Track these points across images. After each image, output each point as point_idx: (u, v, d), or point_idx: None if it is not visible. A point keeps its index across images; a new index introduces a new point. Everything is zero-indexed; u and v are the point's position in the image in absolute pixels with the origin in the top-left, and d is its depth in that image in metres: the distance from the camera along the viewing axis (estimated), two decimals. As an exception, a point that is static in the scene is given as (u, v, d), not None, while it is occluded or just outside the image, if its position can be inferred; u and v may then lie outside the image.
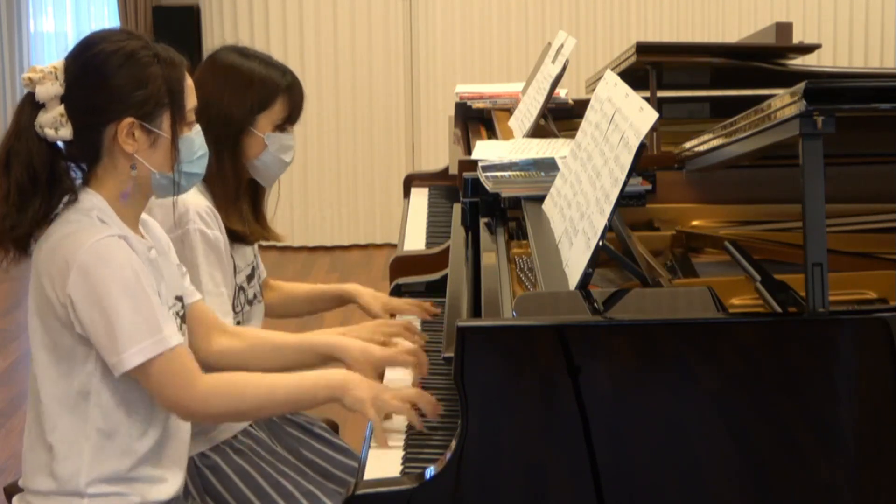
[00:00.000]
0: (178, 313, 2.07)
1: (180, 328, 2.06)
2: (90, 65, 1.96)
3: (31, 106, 1.97)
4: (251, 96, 2.42)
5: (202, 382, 1.95)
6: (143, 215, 2.10)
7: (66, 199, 1.97)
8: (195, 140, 2.04)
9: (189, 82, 2.03)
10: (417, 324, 2.50)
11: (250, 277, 2.53)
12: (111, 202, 1.98)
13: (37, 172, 1.95)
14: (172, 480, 2.05)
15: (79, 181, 2.00)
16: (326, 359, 2.22)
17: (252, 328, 2.26)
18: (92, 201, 1.97)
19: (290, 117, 2.47)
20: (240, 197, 2.47)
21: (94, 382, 1.94)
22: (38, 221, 1.96)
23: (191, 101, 2.02)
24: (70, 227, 1.94)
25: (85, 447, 1.95)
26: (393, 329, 2.36)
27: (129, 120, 1.95)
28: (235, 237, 2.45)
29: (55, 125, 1.95)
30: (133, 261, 1.92)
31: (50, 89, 1.95)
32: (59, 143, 1.97)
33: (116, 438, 1.96)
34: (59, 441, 1.96)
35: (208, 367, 2.17)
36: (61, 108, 1.95)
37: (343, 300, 2.74)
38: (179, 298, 2.11)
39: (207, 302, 2.30)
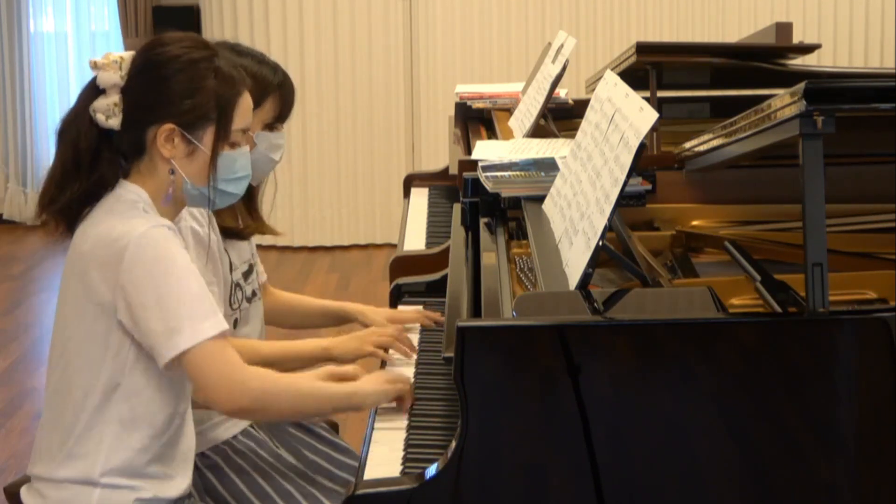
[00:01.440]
0: None
1: None
2: (151, 62, 2.00)
3: (92, 89, 2.01)
4: None
5: (250, 373, 1.94)
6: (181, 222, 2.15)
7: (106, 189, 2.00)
8: (237, 160, 2.05)
9: (246, 103, 2.05)
10: (416, 335, 2.49)
11: (247, 274, 2.53)
12: (152, 199, 2.01)
13: (80, 154, 1.99)
14: (181, 479, 2.06)
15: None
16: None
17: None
18: (138, 193, 2.00)
19: (281, 116, 2.47)
20: None
21: (124, 373, 1.95)
22: (76, 202, 1.99)
23: (243, 121, 2.04)
24: (117, 217, 1.96)
25: (105, 437, 1.96)
26: (383, 339, 2.36)
27: (169, 125, 1.98)
28: (230, 233, 2.45)
29: (108, 113, 1.98)
30: (182, 249, 1.95)
31: (112, 77, 1.99)
32: (110, 133, 2.00)
33: (136, 432, 1.97)
34: (79, 430, 1.96)
35: None
36: (117, 98, 1.99)
37: (343, 319, 2.70)
38: None
39: None
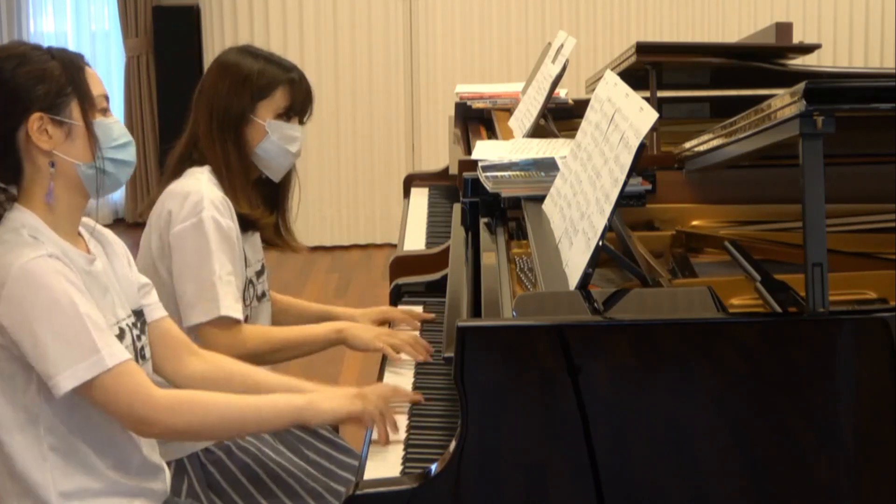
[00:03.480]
0: (132, 325, 2.03)
1: (137, 340, 2.03)
2: None
3: None
4: (249, 86, 2.48)
5: (160, 397, 1.90)
6: (107, 232, 2.07)
7: None
8: (113, 127, 2.00)
9: (93, 74, 2.00)
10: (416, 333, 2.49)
11: (260, 273, 2.55)
12: (43, 215, 1.94)
13: None
14: (152, 488, 2.03)
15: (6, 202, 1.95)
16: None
17: (226, 358, 2.21)
18: (21, 218, 1.93)
19: (294, 108, 2.51)
20: (247, 184, 2.49)
21: (39, 406, 1.90)
22: None
23: (98, 88, 1.99)
24: (2, 247, 1.89)
25: (45, 468, 1.91)
26: (396, 342, 2.34)
27: (36, 115, 1.92)
28: (246, 223, 2.46)
29: None
30: (64, 280, 1.86)
31: None
32: None
33: (76, 456, 1.93)
34: (20, 466, 1.91)
35: (176, 388, 2.12)
36: None
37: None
38: (137, 313, 2.07)
39: (218, 288, 2.31)
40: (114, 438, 1.96)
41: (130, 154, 2.03)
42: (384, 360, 2.36)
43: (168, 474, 2.12)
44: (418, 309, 2.63)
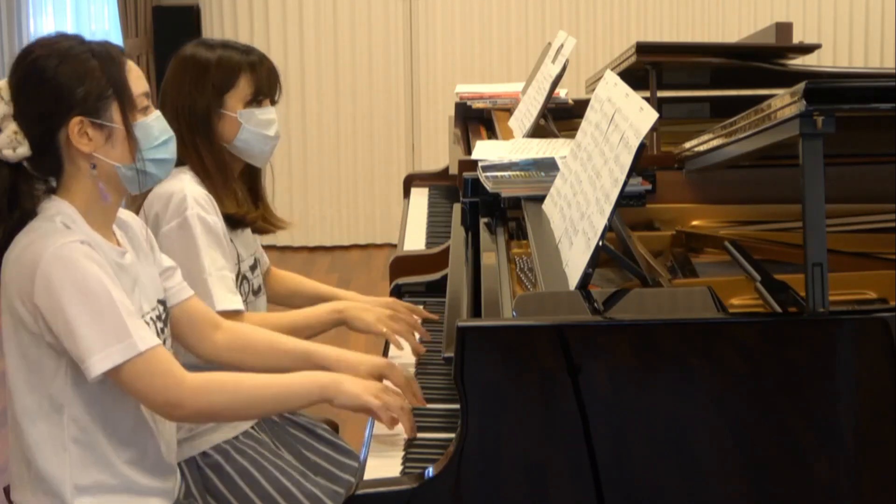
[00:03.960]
0: (156, 318, 2.04)
1: (161, 333, 2.04)
2: (29, 72, 1.94)
3: None
4: (210, 79, 2.43)
5: (189, 379, 1.91)
6: (125, 215, 2.08)
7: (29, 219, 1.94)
8: (153, 125, 2.00)
9: (134, 70, 1.99)
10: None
11: (253, 268, 2.54)
12: (80, 207, 1.95)
13: None
14: (164, 488, 2.03)
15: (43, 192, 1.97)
16: (322, 369, 2.17)
17: (248, 325, 2.24)
18: (57, 207, 1.94)
19: (261, 92, 2.46)
20: (230, 181, 2.47)
21: (66, 395, 1.91)
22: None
23: (140, 86, 1.99)
24: (33, 235, 1.91)
25: (65, 459, 1.92)
26: (398, 326, 2.33)
27: (76, 119, 1.92)
28: (233, 222, 2.45)
29: (12, 145, 1.92)
30: (96, 264, 1.88)
31: None
32: (22, 164, 1.94)
33: (96, 449, 1.94)
34: (39, 455, 1.93)
35: (210, 363, 2.17)
36: (14, 126, 1.93)
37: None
38: (162, 302, 2.08)
39: (210, 284, 2.30)
40: (134, 433, 1.98)
41: (171, 151, 2.03)
42: (387, 347, 2.36)
43: (179, 477, 2.12)
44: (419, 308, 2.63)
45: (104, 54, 1.96)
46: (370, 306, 2.45)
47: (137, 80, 1.99)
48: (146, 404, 1.93)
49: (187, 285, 2.18)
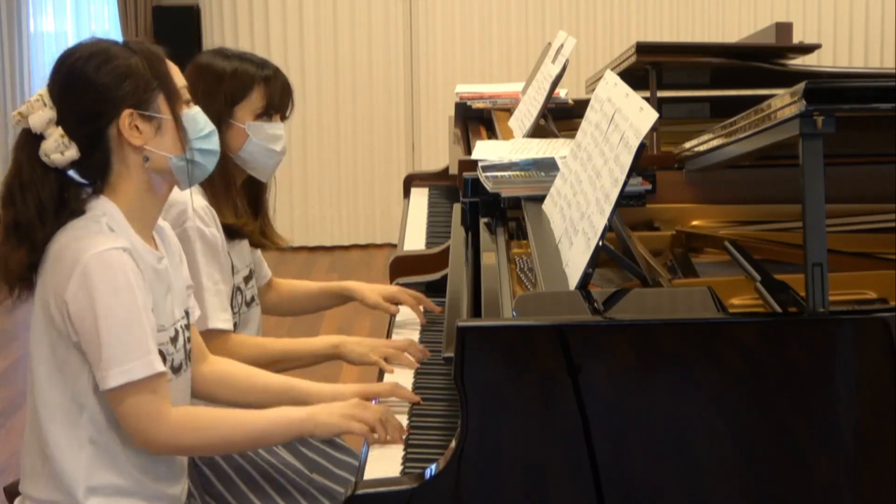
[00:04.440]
0: (184, 326, 2.05)
1: (188, 343, 2.05)
2: (71, 76, 1.95)
3: (28, 139, 1.96)
4: (223, 89, 2.44)
5: (172, 418, 1.91)
6: (161, 223, 2.09)
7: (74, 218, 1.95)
8: (198, 117, 2.02)
9: (173, 66, 2.02)
10: (416, 333, 2.49)
11: (248, 279, 2.53)
12: (124, 209, 1.96)
13: (45, 205, 1.93)
14: (173, 493, 2.04)
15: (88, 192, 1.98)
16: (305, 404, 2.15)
17: (228, 360, 2.22)
18: (103, 207, 1.95)
19: (272, 106, 2.47)
20: (231, 191, 2.47)
21: (88, 395, 1.92)
22: (42, 253, 1.94)
23: (180, 80, 2.02)
24: (77, 233, 1.91)
25: (81, 458, 1.93)
26: (391, 352, 2.34)
27: (126, 112, 1.94)
28: (230, 232, 2.45)
29: (60, 149, 1.93)
30: (133, 278, 1.88)
31: (42, 116, 1.94)
32: (68, 169, 1.95)
33: (110, 451, 1.94)
34: (55, 451, 1.93)
35: (193, 395, 2.15)
36: (60, 130, 1.93)
37: (344, 297, 2.75)
38: (187, 313, 2.09)
39: (206, 299, 2.30)
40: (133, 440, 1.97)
41: (215, 143, 2.05)
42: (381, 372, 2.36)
43: (187, 482, 2.12)
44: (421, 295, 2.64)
45: (144, 50, 1.98)
46: (377, 298, 2.56)
47: (177, 75, 2.02)
48: (127, 429, 1.91)
49: (198, 308, 2.19)
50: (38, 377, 1.95)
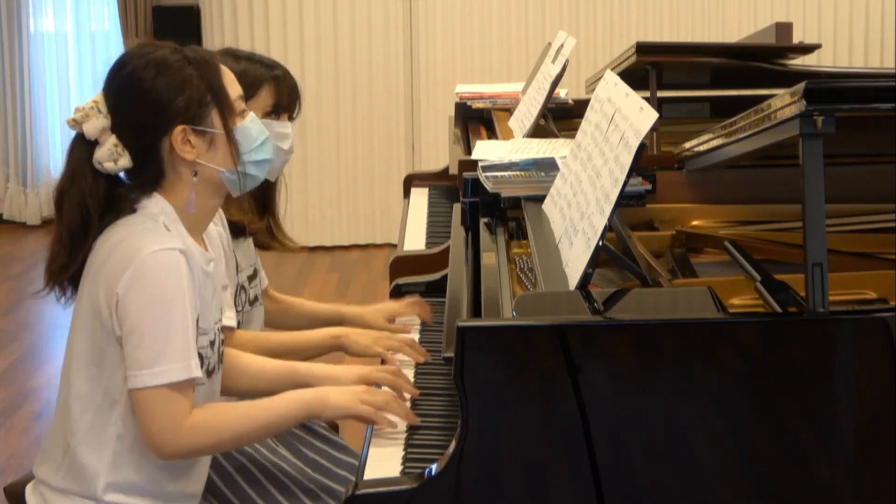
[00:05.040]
0: (220, 329, 2.06)
1: (222, 345, 2.06)
2: (126, 85, 1.96)
3: (82, 145, 1.96)
4: None
5: (188, 423, 1.90)
6: (211, 227, 2.09)
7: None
8: (251, 127, 2.01)
9: (228, 74, 2.02)
10: (416, 334, 2.49)
11: (252, 277, 2.54)
12: (179, 210, 1.97)
13: (90, 213, 1.94)
14: (193, 490, 2.04)
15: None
16: (306, 386, 2.16)
17: (233, 350, 2.23)
18: (160, 205, 1.96)
19: (280, 105, 2.48)
20: None
21: (122, 391, 1.92)
22: (88, 255, 1.95)
23: (234, 90, 2.01)
24: (135, 229, 1.92)
25: (105, 453, 1.93)
26: (394, 344, 2.34)
27: (179, 128, 1.94)
28: (235, 230, 2.45)
29: (113, 157, 1.93)
30: (185, 281, 1.89)
31: (97, 124, 1.94)
32: (121, 174, 1.96)
33: (136, 449, 1.94)
34: (81, 444, 1.94)
35: None
36: (114, 139, 1.94)
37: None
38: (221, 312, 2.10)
39: None
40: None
41: (269, 151, 2.05)
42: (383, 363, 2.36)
43: (204, 479, 2.12)
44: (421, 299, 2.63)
45: (199, 61, 1.97)
46: (378, 318, 2.49)
47: (231, 83, 2.01)
48: (144, 431, 1.90)
49: (229, 307, 2.19)
50: (74, 370, 1.95)
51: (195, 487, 2.06)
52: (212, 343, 2.00)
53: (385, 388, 2.04)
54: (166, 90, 1.94)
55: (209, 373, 2.00)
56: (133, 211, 1.95)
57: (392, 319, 2.60)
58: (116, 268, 1.89)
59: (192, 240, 1.98)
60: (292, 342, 2.44)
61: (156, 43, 2.00)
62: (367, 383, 2.07)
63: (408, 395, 2.08)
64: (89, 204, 1.94)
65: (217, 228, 2.16)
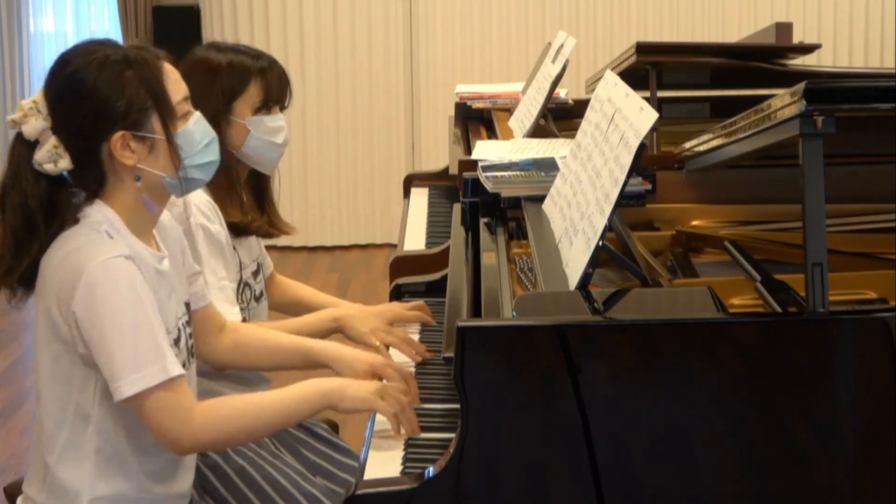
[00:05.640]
0: (186, 323, 2.04)
1: (189, 339, 2.05)
2: (66, 86, 1.92)
3: (23, 146, 1.93)
4: (219, 85, 2.41)
5: (197, 414, 1.90)
6: (164, 217, 2.07)
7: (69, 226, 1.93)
8: (194, 130, 1.97)
9: (173, 74, 1.97)
10: (416, 335, 2.49)
11: (256, 273, 2.54)
12: (123, 213, 1.94)
13: (32, 215, 1.90)
14: (180, 491, 2.04)
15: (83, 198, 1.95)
16: (318, 365, 2.19)
17: (245, 325, 2.25)
18: (102, 213, 1.93)
19: (270, 98, 2.45)
20: (235, 188, 2.47)
21: (94, 406, 1.91)
22: (36, 259, 1.92)
23: (179, 91, 1.96)
24: (78, 241, 1.89)
25: (84, 468, 1.92)
26: (392, 340, 2.33)
27: (118, 134, 1.90)
28: (237, 230, 2.45)
29: (53, 158, 1.90)
30: (138, 283, 1.87)
31: (36, 125, 1.91)
32: (63, 175, 1.93)
33: (117, 459, 1.93)
34: (59, 462, 1.92)
35: (214, 366, 2.20)
36: (54, 140, 1.90)
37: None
38: (187, 306, 2.08)
39: (210, 295, 2.30)
40: (158, 445, 1.95)
41: (214, 153, 2.02)
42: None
43: (193, 475, 2.12)
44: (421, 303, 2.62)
45: (141, 62, 1.93)
46: (368, 315, 2.42)
47: (176, 84, 1.96)
48: (154, 432, 1.90)
49: (207, 295, 2.18)
50: (42, 387, 1.94)
51: (182, 487, 2.05)
52: (176, 341, 1.98)
53: (398, 395, 2.00)
54: (106, 94, 1.90)
55: None
56: (76, 221, 1.92)
57: (392, 323, 2.58)
58: (66, 286, 1.86)
59: (140, 243, 1.95)
60: (293, 328, 2.42)
61: (99, 42, 1.97)
62: (376, 373, 2.06)
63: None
64: (31, 205, 1.90)
65: (172, 222, 2.12)
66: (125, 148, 1.91)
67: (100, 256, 1.86)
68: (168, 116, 1.93)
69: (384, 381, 2.06)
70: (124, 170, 1.93)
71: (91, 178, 1.94)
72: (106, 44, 1.96)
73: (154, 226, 2.03)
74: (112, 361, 1.84)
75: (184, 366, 2.00)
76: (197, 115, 2.00)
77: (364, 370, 2.08)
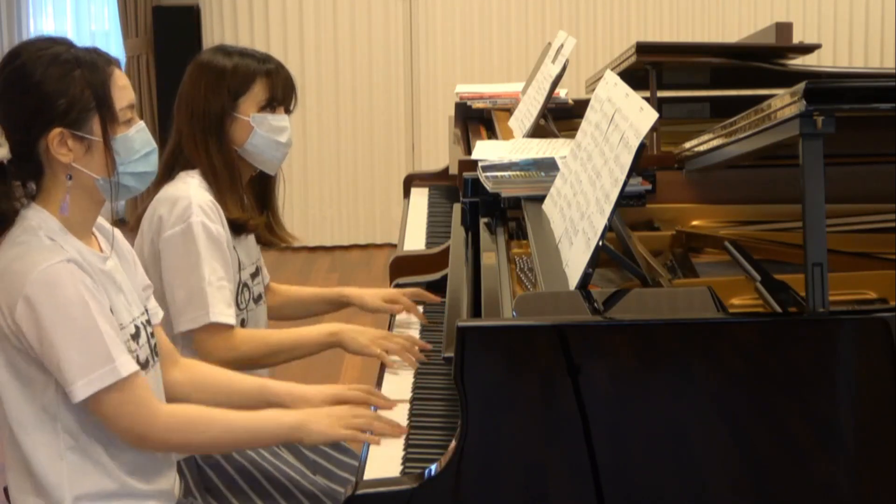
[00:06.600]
0: (146, 322, 2.04)
1: (151, 337, 2.04)
2: (13, 77, 1.92)
3: None
4: (226, 84, 2.45)
5: (162, 413, 1.91)
6: (103, 224, 2.05)
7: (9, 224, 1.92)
8: (135, 138, 1.97)
9: (121, 81, 1.97)
10: (417, 332, 2.49)
11: (255, 275, 2.54)
12: (60, 216, 1.94)
13: None
14: (163, 490, 2.03)
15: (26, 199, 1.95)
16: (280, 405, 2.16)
17: (204, 364, 2.23)
18: (39, 217, 1.92)
19: (275, 98, 2.48)
20: (237, 186, 2.48)
21: (58, 406, 1.90)
22: None
23: (125, 98, 1.96)
24: (18, 250, 1.89)
25: (62, 468, 1.92)
26: (393, 346, 2.33)
27: (57, 130, 1.90)
28: (236, 227, 2.45)
29: None
30: (82, 286, 1.86)
31: None
32: (2, 164, 1.92)
33: (92, 457, 1.93)
34: (36, 465, 1.92)
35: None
36: None
37: (340, 304, 2.73)
38: (146, 309, 2.07)
39: (208, 294, 2.31)
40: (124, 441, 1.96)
41: (152, 164, 2.01)
42: (382, 368, 2.35)
43: (178, 477, 2.12)
44: (419, 308, 2.63)
45: (90, 64, 1.93)
46: (378, 302, 2.52)
47: (123, 90, 1.96)
48: (120, 433, 1.91)
49: (159, 313, 2.16)
50: (6, 394, 1.93)
51: (167, 484, 2.05)
52: (134, 336, 1.97)
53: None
54: (49, 90, 1.90)
55: (142, 366, 1.97)
56: (14, 217, 1.91)
57: (391, 303, 2.61)
58: (10, 294, 1.86)
59: (80, 243, 1.95)
60: (290, 339, 2.44)
61: (53, 39, 1.97)
62: (339, 403, 2.05)
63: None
64: None
65: (121, 235, 2.11)
66: (62, 145, 1.91)
67: (40, 265, 1.86)
68: (109, 120, 1.93)
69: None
70: (59, 167, 1.93)
71: (27, 171, 1.94)
72: (60, 42, 1.97)
73: (93, 223, 2.02)
74: (61, 368, 1.85)
75: (147, 362, 2.00)
76: (140, 123, 2.00)
77: (322, 402, 2.07)
